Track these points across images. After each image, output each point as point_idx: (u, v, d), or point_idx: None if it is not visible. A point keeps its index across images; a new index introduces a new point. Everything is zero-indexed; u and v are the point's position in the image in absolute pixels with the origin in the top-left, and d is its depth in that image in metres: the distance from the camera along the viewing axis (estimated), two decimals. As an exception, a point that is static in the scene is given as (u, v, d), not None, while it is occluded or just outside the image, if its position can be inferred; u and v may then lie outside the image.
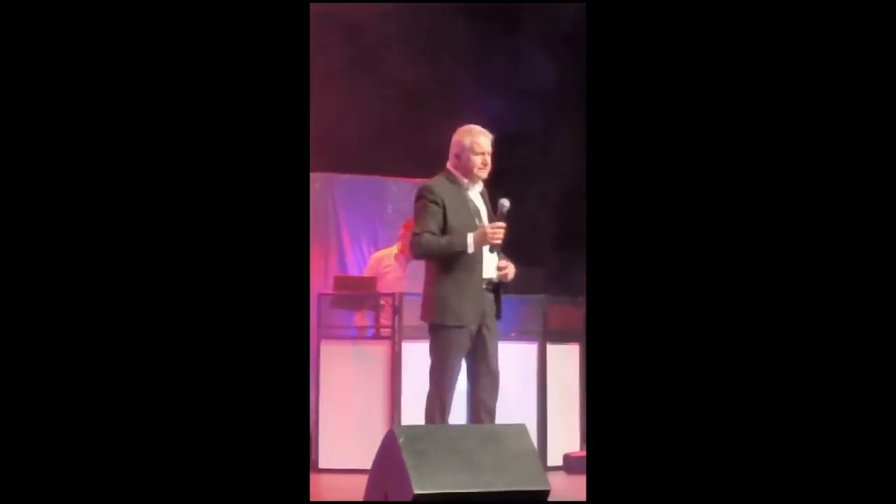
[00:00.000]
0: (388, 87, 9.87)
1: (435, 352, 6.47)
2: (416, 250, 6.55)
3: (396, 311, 8.77)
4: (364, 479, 5.79)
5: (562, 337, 9.30)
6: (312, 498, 5.81)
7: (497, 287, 6.56)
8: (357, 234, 10.62)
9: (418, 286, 6.65)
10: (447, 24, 10.20)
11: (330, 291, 9.44)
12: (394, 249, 9.67)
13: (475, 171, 6.55)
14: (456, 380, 6.44)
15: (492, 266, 6.53)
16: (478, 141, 6.55)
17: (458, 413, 6.57)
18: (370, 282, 9.39)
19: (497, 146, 6.63)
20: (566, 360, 9.29)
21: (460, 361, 6.46)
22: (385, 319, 8.95)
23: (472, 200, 6.58)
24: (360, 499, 5.77)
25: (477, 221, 6.52)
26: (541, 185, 10.12)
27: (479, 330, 6.46)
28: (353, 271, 10.50)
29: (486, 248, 6.46)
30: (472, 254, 6.44)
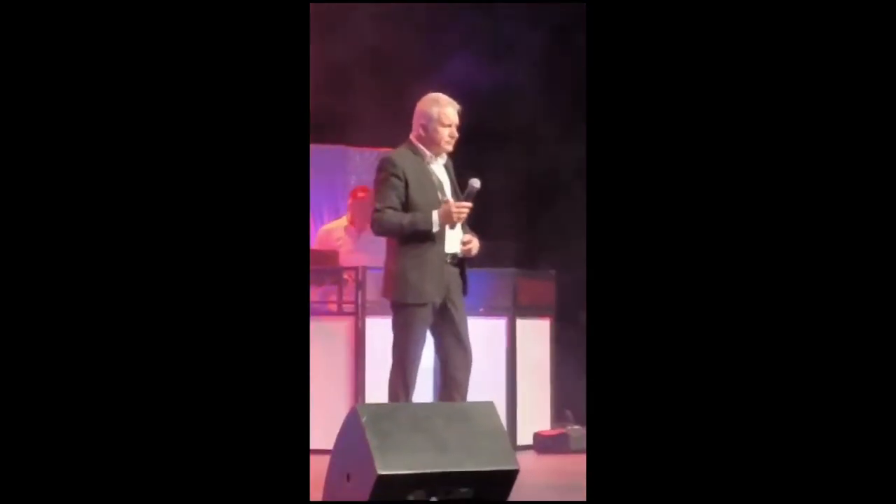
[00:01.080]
0: (351, 49, 9.70)
1: (397, 329, 6.35)
2: (378, 227, 6.37)
3: (359, 285, 8.60)
4: (326, 459, 5.67)
5: (532, 312, 9.19)
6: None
7: (462, 261, 6.41)
8: (318, 206, 10.45)
9: (373, 260, 6.53)
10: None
11: (290, 265, 9.26)
12: (343, 221, 9.43)
13: (442, 143, 6.38)
14: (420, 356, 6.33)
15: (455, 240, 6.37)
16: (445, 112, 6.36)
17: (423, 391, 6.45)
18: (332, 256, 9.19)
19: (465, 114, 6.45)
20: (537, 336, 9.18)
21: (424, 337, 6.34)
22: (348, 295, 8.76)
23: (435, 174, 6.40)
24: (322, 479, 5.64)
25: (440, 196, 6.35)
26: (512, 154, 9.99)
27: (444, 304, 6.32)
28: (313, 245, 10.33)
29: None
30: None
